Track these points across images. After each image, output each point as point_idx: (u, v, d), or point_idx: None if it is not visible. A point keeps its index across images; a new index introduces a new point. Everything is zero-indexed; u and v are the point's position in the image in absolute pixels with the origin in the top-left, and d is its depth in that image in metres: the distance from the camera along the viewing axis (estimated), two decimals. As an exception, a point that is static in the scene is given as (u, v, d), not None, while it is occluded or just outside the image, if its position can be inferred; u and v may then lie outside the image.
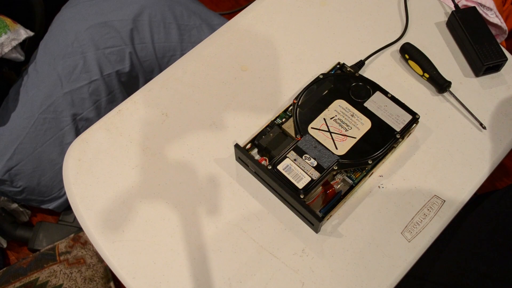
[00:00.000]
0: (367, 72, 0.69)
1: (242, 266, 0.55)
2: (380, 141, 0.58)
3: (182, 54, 0.93)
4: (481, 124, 0.64)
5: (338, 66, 0.67)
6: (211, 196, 0.59)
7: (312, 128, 0.59)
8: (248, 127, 0.64)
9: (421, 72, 0.68)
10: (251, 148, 0.61)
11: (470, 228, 0.73)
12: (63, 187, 1.03)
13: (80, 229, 1.08)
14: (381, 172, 0.61)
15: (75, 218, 1.10)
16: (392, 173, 0.61)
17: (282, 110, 0.63)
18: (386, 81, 0.68)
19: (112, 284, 0.97)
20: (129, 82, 1.02)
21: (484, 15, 0.99)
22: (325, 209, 0.56)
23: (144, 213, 0.58)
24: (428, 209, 0.58)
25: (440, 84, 0.66)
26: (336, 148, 0.57)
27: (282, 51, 0.71)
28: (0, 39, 0.92)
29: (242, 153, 0.58)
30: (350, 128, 0.59)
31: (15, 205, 1.09)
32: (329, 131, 0.59)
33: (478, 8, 0.81)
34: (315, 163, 0.56)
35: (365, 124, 0.59)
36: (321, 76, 0.64)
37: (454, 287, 0.69)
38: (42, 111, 0.96)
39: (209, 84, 0.68)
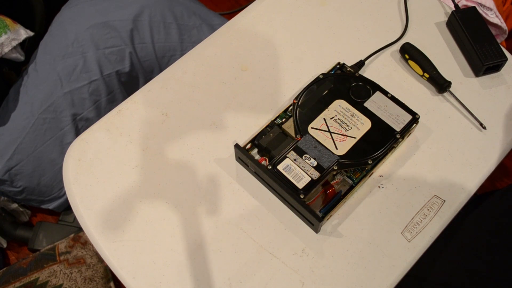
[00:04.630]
0: (367, 72, 0.69)
1: (242, 266, 0.55)
2: (380, 141, 0.58)
3: (182, 54, 0.93)
4: (481, 124, 0.64)
5: (338, 66, 0.67)
6: (211, 196, 0.59)
7: (312, 128, 0.59)
8: (248, 127, 0.64)
9: (421, 72, 0.68)
10: (251, 148, 0.61)
11: (470, 229, 0.73)
12: (63, 187, 1.03)
13: (80, 229, 1.08)
14: (381, 172, 0.61)
15: (75, 218, 1.10)
16: (392, 173, 0.61)
17: (282, 110, 0.63)
18: (386, 81, 0.68)
19: (112, 284, 0.97)
20: (129, 82, 1.02)
21: (484, 15, 0.99)
22: (325, 209, 0.56)
23: (144, 213, 0.58)
24: (428, 209, 0.58)
25: (440, 84, 0.66)
26: (336, 148, 0.57)
27: (282, 51, 0.71)
28: (0, 39, 0.92)
29: (242, 153, 0.58)
30: (350, 128, 0.59)
31: (15, 205, 1.09)
32: (329, 131, 0.59)
33: (478, 8, 0.81)
34: (315, 163, 0.56)
35: (365, 124, 0.59)
36: (321, 76, 0.64)
37: None
38: (42, 111, 0.96)
39: (209, 84, 0.68)
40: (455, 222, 0.58)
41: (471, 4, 0.97)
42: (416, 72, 0.69)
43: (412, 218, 0.57)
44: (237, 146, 0.58)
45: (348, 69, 0.66)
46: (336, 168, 0.56)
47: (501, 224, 0.72)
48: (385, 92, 0.62)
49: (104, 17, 0.98)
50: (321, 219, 0.53)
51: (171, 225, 0.57)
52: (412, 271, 0.55)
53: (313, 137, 0.58)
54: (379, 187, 0.60)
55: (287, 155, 0.57)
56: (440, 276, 0.70)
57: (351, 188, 0.57)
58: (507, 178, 1.24)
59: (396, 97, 0.62)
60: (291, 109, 0.62)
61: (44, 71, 0.98)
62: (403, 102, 0.62)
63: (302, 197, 0.54)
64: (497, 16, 0.99)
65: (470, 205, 0.65)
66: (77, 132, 1.00)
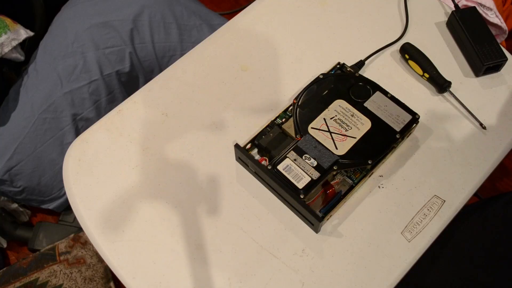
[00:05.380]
0: (367, 72, 0.69)
1: (242, 266, 0.55)
2: (380, 141, 0.58)
3: (182, 54, 0.93)
4: (481, 124, 0.64)
5: (338, 66, 0.67)
6: (211, 196, 0.59)
7: (312, 128, 0.59)
8: (248, 127, 0.64)
9: (421, 72, 0.68)
10: (251, 148, 0.61)
11: (472, 236, 0.72)
12: (63, 187, 1.03)
13: (80, 229, 1.08)
14: (381, 172, 0.61)
15: (75, 218, 1.10)
16: (392, 173, 0.61)
17: (282, 110, 0.63)
18: (386, 81, 0.68)
19: (112, 284, 0.97)
20: (129, 82, 1.02)
21: (484, 15, 0.99)
22: (325, 209, 0.56)
23: (144, 213, 0.58)
24: (428, 209, 0.58)
25: (440, 84, 0.66)
26: (336, 148, 0.57)
27: (282, 51, 0.71)
28: (0, 39, 0.92)
29: (242, 153, 0.58)
30: (350, 128, 0.59)
31: (15, 205, 1.09)
32: (329, 131, 0.59)
33: (478, 8, 0.81)
34: (315, 163, 0.56)
35: (365, 124, 0.59)
36: (321, 76, 0.64)
37: None
38: (42, 111, 0.96)
39: (209, 84, 0.68)
40: (455, 227, 0.58)
41: (471, 4, 0.97)
42: (416, 72, 0.69)
43: (412, 218, 0.57)
44: (237, 146, 0.58)
45: (348, 69, 0.66)
46: (336, 168, 0.56)
47: (505, 233, 0.71)
48: (385, 92, 0.62)
49: (104, 17, 0.98)
50: (321, 219, 0.53)
51: (171, 225, 0.57)
52: (411, 278, 0.55)
53: (313, 137, 0.58)
54: (379, 187, 0.60)
55: (287, 155, 0.57)
56: (439, 284, 0.70)
57: (351, 188, 0.57)
58: (507, 178, 1.24)
59: (396, 97, 0.62)
60: (291, 109, 0.62)
61: (44, 71, 0.98)
62: (403, 102, 0.62)
63: (302, 197, 0.54)
64: (497, 16, 0.99)
65: (473, 210, 0.65)
66: (77, 132, 1.00)
